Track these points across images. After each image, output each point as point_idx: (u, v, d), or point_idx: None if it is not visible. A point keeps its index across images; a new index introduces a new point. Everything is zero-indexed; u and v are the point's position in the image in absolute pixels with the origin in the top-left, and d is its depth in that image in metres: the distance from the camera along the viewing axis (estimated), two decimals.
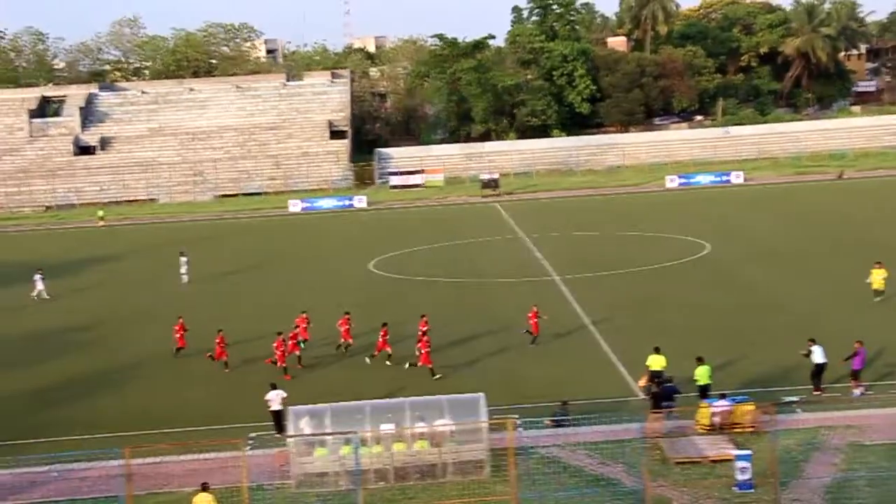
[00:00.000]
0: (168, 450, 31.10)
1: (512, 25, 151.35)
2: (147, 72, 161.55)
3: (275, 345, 41.34)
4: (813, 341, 35.02)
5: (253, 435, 33.24)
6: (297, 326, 43.80)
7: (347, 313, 44.30)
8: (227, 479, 28.74)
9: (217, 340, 42.73)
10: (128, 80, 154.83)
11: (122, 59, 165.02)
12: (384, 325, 42.04)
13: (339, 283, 61.73)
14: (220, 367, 42.37)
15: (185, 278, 64.46)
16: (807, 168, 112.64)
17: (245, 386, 39.51)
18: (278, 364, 40.89)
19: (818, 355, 34.67)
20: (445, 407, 30.39)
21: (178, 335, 45.16)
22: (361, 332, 44.71)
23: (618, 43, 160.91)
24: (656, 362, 35.20)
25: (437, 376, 38.63)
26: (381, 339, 41.41)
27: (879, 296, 46.84)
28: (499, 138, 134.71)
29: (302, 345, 43.19)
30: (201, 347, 45.74)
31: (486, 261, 66.71)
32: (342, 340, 43.54)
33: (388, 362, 41.07)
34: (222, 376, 41.82)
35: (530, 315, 43.46)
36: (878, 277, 47.23)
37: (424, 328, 41.24)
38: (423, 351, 39.43)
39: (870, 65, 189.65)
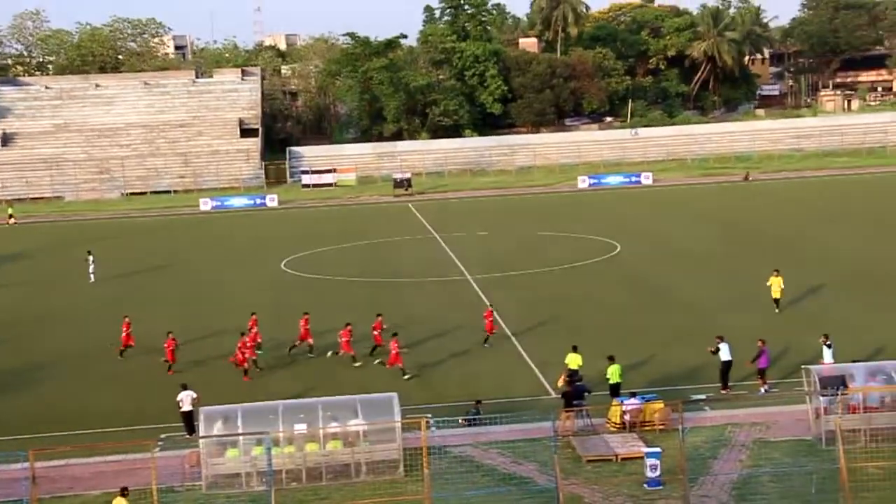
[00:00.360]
0: (74, 452, 30.52)
1: (424, 25, 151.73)
2: (51, 67, 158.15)
3: (238, 345, 40.67)
4: (721, 338, 35.69)
5: (163, 436, 32.80)
6: (251, 329, 42.60)
7: (307, 314, 43.40)
8: (135, 481, 28.29)
9: (167, 343, 41.52)
10: (30, 74, 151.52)
11: (25, 54, 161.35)
12: (347, 324, 41.50)
13: (251, 282, 61.17)
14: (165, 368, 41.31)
15: (92, 277, 63.38)
16: (713, 169, 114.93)
17: (157, 387, 38.93)
18: (239, 366, 40.21)
19: (725, 353, 35.36)
20: (358, 407, 30.33)
21: (124, 334, 43.94)
22: (277, 331, 44.42)
23: (529, 44, 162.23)
24: (574, 361, 35.58)
25: (371, 363, 38.52)
26: (343, 340, 40.81)
27: (777, 305, 46.18)
28: (411, 138, 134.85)
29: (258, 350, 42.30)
30: (106, 349, 45.14)
31: (399, 260, 66.70)
32: (299, 341, 42.63)
33: (357, 363, 40.60)
34: (134, 377, 41.14)
35: (486, 315, 43.38)
36: (776, 287, 46.13)
37: (379, 328, 41.31)
38: (393, 351, 38.83)
39: (773, 69, 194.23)
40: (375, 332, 41.55)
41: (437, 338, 44.13)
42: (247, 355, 40.29)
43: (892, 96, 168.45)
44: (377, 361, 40.18)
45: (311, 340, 42.60)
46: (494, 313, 43.98)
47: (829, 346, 35.36)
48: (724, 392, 35.11)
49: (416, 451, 28.24)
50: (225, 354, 42.69)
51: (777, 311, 45.74)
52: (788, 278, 47.47)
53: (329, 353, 41.94)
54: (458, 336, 44.03)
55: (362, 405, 30.41)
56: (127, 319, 44.67)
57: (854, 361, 33.30)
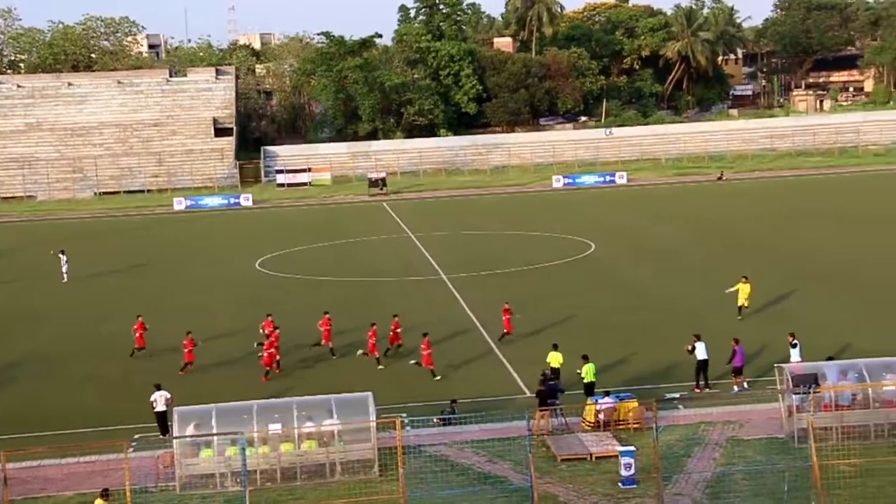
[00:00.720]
0: (47, 453, 30.33)
1: (399, 24, 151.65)
2: (23, 65, 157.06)
3: (265, 345, 40.25)
4: (698, 337, 35.79)
5: (137, 437, 32.65)
6: (264, 330, 41.65)
7: (327, 313, 42.89)
8: (109, 482, 28.12)
9: (185, 343, 40.71)
10: (2, 73, 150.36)
11: None
12: (373, 324, 41.18)
13: (225, 282, 60.95)
14: (191, 368, 40.52)
15: (65, 277, 63.06)
16: (687, 169, 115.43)
17: (131, 387, 38.70)
18: (266, 363, 39.69)
19: (701, 351, 35.48)
20: (333, 406, 30.28)
21: (137, 334, 43.21)
22: (252, 330, 44.27)
23: (504, 44, 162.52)
24: (555, 359, 35.70)
25: (437, 377, 38.22)
26: (370, 340, 40.41)
27: (741, 313, 44.53)
28: (386, 137, 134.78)
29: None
30: (81, 349, 44.89)
31: (373, 259, 66.60)
32: (323, 342, 42.07)
33: (380, 366, 40.22)
34: (107, 378, 40.90)
35: (503, 311, 43.05)
36: (743, 294, 44.66)
37: (398, 329, 41.28)
38: (424, 352, 38.47)
39: (746, 69, 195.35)
40: (395, 332, 41.47)
41: (412, 337, 43.97)
42: (272, 355, 39.79)
43: (863, 97, 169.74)
44: (412, 362, 39.59)
45: (329, 342, 42.03)
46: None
47: (794, 346, 35.53)
48: (697, 391, 35.28)
49: (391, 450, 28.26)
50: (199, 355, 42.62)
51: (740, 318, 44.32)
52: (761, 277, 47.64)
53: (359, 352, 41.44)
54: (433, 335, 43.90)
55: (337, 405, 30.36)
56: (140, 319, 43.91)
57: (829, 359, 33.56)
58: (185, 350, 40.79)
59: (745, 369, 35.78)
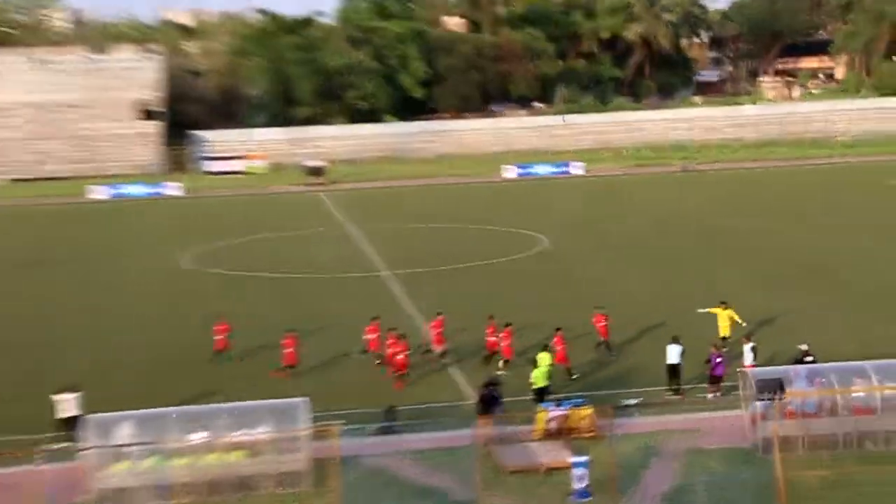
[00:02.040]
0: None
1: (342, 2, 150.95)
2: None
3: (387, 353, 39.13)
4: (675, 339, 35.46)
5: (45, 447, 31.90)
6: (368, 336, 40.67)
7: (440, 314, 41.64)
8: (11, 497, 27.49)
9: (287, 342, 39.06)
10: None
11: None
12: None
13: (146, 278, 60.11)
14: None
15: None
16: (648, 159, 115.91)
17: (41, 392, 37.84)
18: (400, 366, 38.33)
19: (671, 355, 35.21)
20: (264, 413, 29.85)
21: (219, 336, 40.99)
22: (175, 331, 43.71)
23: (456, 24, 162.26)
24: (544, 360, 35.28)
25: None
26: (505, 344, 39.25)
27: (725, 343, 38.55)
28: (326, 123, 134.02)
29: None
30: None
31: (309, 254, 66.11)
32: (435, 347, 40.74)
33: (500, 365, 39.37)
34: (11, 383, 40.06)
35: (597, 320, 41.25)
36: (723, 322, 39.91)
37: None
38: (558, 348, 37.40)
39: (712, 54, 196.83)
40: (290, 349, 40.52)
41: (349, 337, 43.48)
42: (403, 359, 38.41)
43: (834, 84, 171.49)
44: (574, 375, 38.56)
45: (439, 346, 40.85)
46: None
47: (753, 350, 35.44)
48: (668, 396, 35.08)
49: (326, 461, 27.87)
50: (116, 356, 42.00)
51: (726, 349, 37.76)
52: (727, 274, 47.52)
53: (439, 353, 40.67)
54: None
55: (268, 412, 29.92)
56: (223, 319, 41.98)
57: (807, 360, 33.50)
58: (287, 351, 38.94)
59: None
